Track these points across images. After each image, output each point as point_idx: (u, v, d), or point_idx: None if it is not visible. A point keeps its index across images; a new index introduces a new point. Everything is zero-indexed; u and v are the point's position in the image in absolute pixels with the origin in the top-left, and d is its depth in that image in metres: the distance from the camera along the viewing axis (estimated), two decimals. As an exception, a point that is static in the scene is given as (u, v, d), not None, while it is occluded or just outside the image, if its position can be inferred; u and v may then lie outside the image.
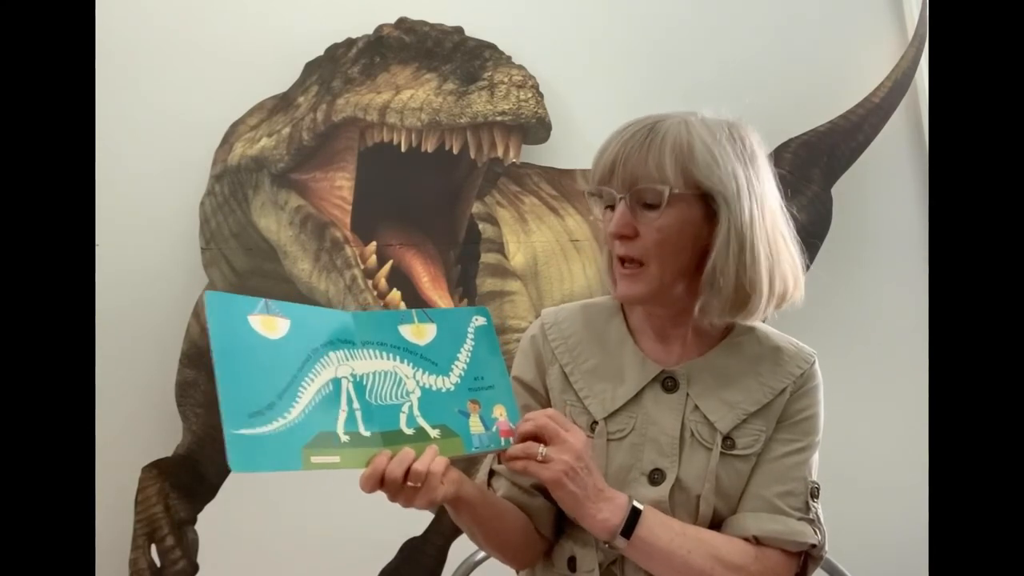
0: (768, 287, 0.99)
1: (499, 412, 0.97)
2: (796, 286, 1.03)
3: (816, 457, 1.04)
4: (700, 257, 0.99)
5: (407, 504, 0.90)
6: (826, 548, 1.02)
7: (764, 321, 1.07)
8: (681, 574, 0.96)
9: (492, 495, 1.04)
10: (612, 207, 1.01)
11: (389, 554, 1.94)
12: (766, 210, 1.00)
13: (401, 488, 0.88)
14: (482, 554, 1.34)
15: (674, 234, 0.98)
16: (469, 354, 0.99)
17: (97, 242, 1.91)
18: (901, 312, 1.99)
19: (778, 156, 2.00)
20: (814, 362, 1.07)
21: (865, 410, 1.97)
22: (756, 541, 0.99)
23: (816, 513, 1.01)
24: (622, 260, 1.00)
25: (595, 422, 1.04)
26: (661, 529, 0.96)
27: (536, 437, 0.94)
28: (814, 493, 1.02)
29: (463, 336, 1.00)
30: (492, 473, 1.10)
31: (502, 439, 0.95)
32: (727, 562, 0.97)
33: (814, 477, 1.03)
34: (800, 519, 1.00)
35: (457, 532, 1.87)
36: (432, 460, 0.89)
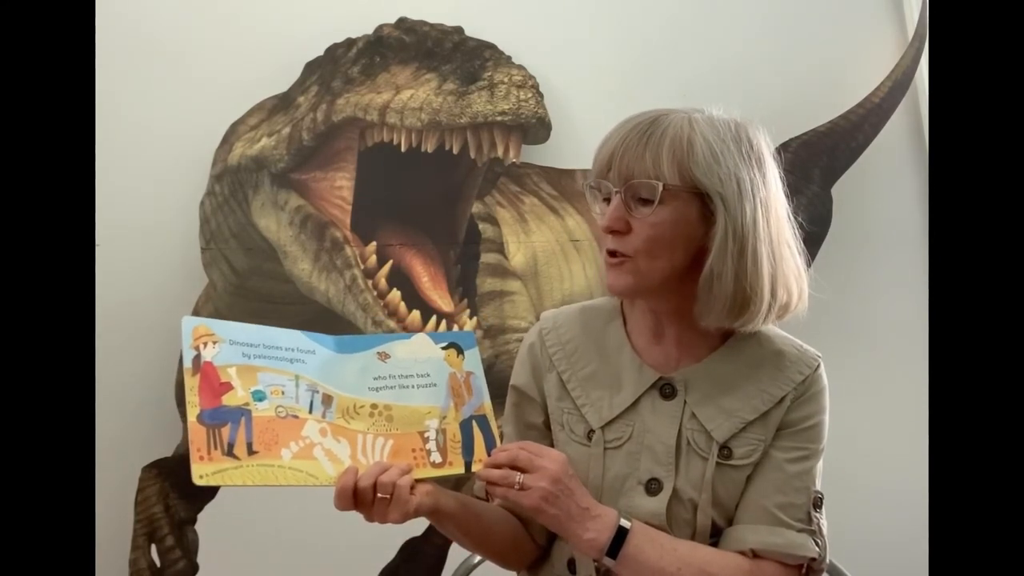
0: (769, 293, 0.97)
1: None
2: (800, 298, 1.01)
3: (820, 465, 1.02)
4: (695, 257, 0.97)
5: (382, 519, 0.93)
6: (827, 559, 0.99)
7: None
8: None
9: (476, 505, 1.03)
10: (609, 200, 0.98)
11: (389, 554, 1.94)
12: (771, 215, 0.98)
13: (372, 501, 0.91)
14: (482, 554, 1.34)
15: (667, 232, 0.95)
16: None
17: (97, 242, 1.90)
18: (901, 312, 1.99)
19: (778, 156, 2.00)
20: (818, 366, 1.03)
21: (865, 410, 1.96)
22: (753, 554, 0.97)
23: (818, 524, 0.99)
24: (611, 253, 0.98)
25: (592, 431, 1.02)
26: (650, 547, 0.95)
27: (513, 466, 0.95)
28: (817, 503, 0.99)
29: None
30: None
31: None
32: None
33: (817, 486, 1.00)
34: (801, 531, 0.98)
35: (457, 532, 1.88)
36: (399, 473, 0.93)
